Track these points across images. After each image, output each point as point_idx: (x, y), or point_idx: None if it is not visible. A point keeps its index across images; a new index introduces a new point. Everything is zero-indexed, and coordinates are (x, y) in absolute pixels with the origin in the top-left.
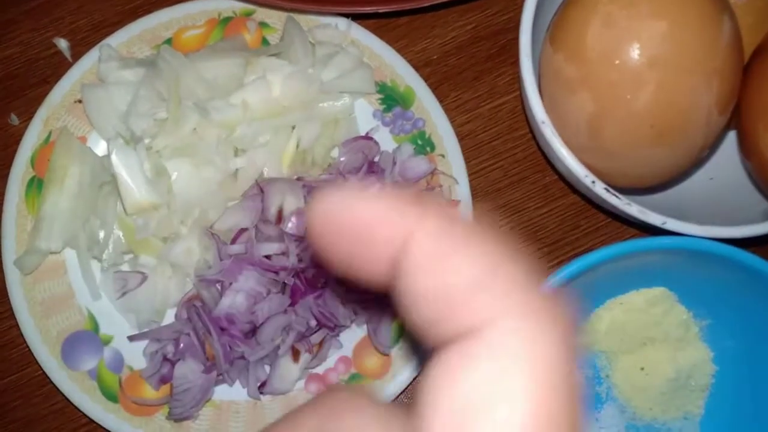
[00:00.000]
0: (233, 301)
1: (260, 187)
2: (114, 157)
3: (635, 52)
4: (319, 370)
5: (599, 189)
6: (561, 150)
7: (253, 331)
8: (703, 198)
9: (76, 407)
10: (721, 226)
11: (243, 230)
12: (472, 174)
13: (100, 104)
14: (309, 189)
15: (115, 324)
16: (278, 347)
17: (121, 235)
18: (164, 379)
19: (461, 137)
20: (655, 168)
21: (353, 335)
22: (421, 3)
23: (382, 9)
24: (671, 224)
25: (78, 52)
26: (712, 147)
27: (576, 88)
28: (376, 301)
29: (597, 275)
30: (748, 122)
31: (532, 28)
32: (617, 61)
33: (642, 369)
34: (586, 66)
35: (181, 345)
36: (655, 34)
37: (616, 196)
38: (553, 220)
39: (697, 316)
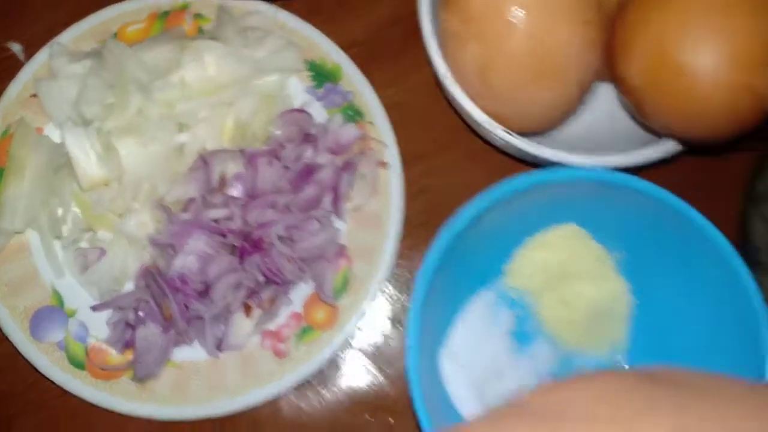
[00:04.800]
0: (184, 263)
1: (204, 159)
2: (67, 138)
3: (507, 4)
4: (272, 326)
5: (499, 132)
6: (462, 99)
7: (206, 291)
8: (591, 136)
9: (47, 379)
10: (604, 155)
11: (191, 200)
12: (403, 141)
13: (53, 96)
14: (249, 157)
15: (79, 298)
16: (230, 304)
17: (78, 213)
18: (127, 344)
19: (390, 108)
20: (541, 108)
21: (302, 292)
22: None
23: None
24: (563, 156)
25: (31, 53)
26: (590, 86)
27: (465, 41)
28: (319, 257)
29: (510, 215)
30: (614, 56)
31: None
32: (496, 14)
33: (565, 303)
34: (472, 21)
35: (141, 311)
36: None
37: (513, 135)
38: (480, 179)
39: (612, 250)
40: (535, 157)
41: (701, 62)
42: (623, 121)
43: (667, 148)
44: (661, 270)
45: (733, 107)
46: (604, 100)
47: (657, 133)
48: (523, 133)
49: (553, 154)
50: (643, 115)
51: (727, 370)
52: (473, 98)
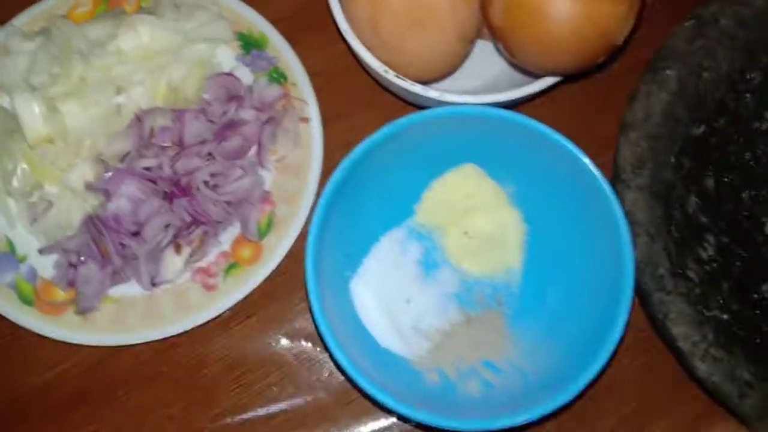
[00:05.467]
0: (118, 205)
1: (138, 117)
2: (15, 101)
3: None
4: (203, 263)
5: (391, 76)
6: (360, 49)
7: (138, 233)
8: (485, 84)
9: (1, 317)
10: (486, 94)
11: (127, 154)
12: (326, 103)
13: (6, 69)
14: (178, 114)
15: (29, 245)
16: (161, 243)
17: (27, 167)
18: (71, 283)
19: (314, 74)
20: (424, 57)
21: (230, 234)
22: None
23: None
24: (447, 96)
25: None
26: (471, 36)
27: None
28: (244, 200)
29: (419, 160)
30: (483, 4)
31: None
32: None
33: (466, 233)
34: None
35: (82, 254)
36: None
37: (402, 79)
38: None
39: (504, 184)
40: (426, 99)
41: (549, 1)
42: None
43: (539, 84)
44: (546, 197)
45: (580, 37)
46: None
47: (530, 73)
48: (421, 82)
49: (439, 95)
50: (511, 54)
51: (599, 274)
52: (369, 49)
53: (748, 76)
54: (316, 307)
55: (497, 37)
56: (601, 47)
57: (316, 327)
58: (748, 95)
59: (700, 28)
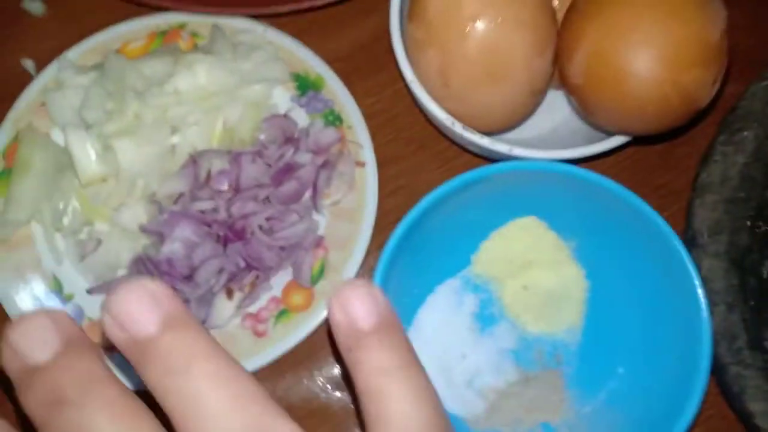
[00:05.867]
0: (172, 248)
1: (193, 159)
2: (69, 138)
3: (460, 12)
4: (253, 309)
5: (458, 128)
6: (427, 100)
7: (191, 276)
8: (546, 134)
9: None
10: (555, 150)
11: (181, 195)
12: (380, 146)
13: (59, 103)
14: (234, 156)
15: (76, 283)
16: (213, 287)
17: (78, 206)
18: None
19: (369, 116)
20: (495, 108)
21: (282, 279)
22: (314, 3)
23: (283, 9)
24: (516, 151)
25: (41, 69)
26: (542, 89)
27: (425, 47)
28: (297, 246)
29: (478, 210)
30: (560, 60)
31: (399, 10)
32: (449, 21)
33: (525, 288)
34: (430, 28)
35: None
36: None
37: (470, 131)
38: (450, 176)
39: (565, 239)
40: (490, 152)
41: (634, 63)
42: (579, 124)
43: (612, 142)
44: (611, 254)
45: (664, 101)
46: (564, 105)
47: (604, 131)
48: (486, 133)
49: (508, 149)
50: (587, 113)
51: (671, 343)
52: (436, 100)
53: None
54: None
55: (573, 94)
56: (685, 112)
57: None
58: None
59: None
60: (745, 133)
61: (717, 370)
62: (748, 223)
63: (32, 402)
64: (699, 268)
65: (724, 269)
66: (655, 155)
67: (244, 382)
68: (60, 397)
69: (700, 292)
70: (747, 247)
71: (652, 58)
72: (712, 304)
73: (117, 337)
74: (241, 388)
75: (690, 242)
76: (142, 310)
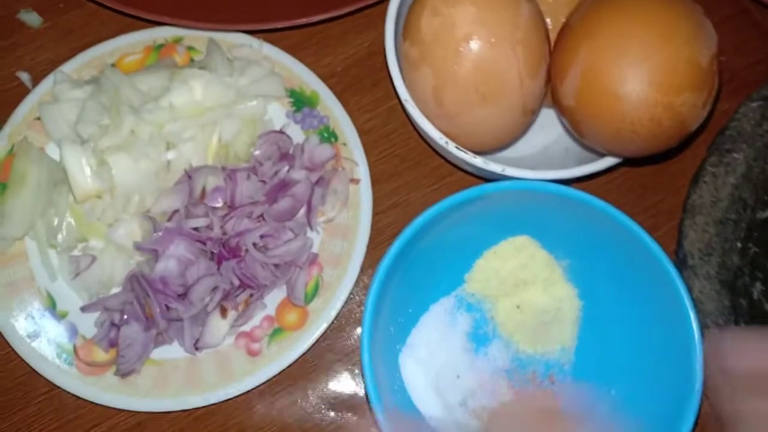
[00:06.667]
0: (166, 266)
1: (188, 175)
2: (63, 153)
3: (454, 33)
4: (246, 328)
5: (451, 147)
6: (421, 119)
7: (185, 294)
8: (538, 152)
9: (38, 374)
10: (547, 170)
11: (175, 211)
12: (375, 162)
13: (54, 117)
14: (229, 173)
15: (70, 300)
16: (207, 306)
17: (72, 222)
18: (112, 343)
19: (364, 133)
20: (488, 127)
21: (276, 297)
22: (310, 20)
23: (279, 25)
24: (509, 171)
25: (37, 82)
26: (534, 109)
27: (419, 66)
28: (292, 263)
29: (472, 229)
30: (553, 81)
31: (394, 29)
32: (443, 41)
33: (518, 307)
34: (424, 47)
35: (125, 313)
36: (467, 18)
37: (463, 151)
38: (443, 194)
39: (558, 258)
40: (483, 171)
41: (625, 85)
42: (571, 143)
43: (603, 163)
44: (603, 274)
45: (656, 123)
46: (557, 123)
47: (596, 151)
48: (478, 152)
49: (501, 169)
50: (579, 134)
51: (663, 364)
52: (430, 118)
53: None
54: (370, 386)
55: (565, 114)
56: (676, 134)
57: (369, 405)
58: None
59: (767, 110)
60: (735, 155)
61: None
62: (739, 244)
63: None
64: (690, 289)
65: (716, 291)
66: (646, 175)
67: None
68: None
69: (691, 314)
70: (738, 269)
71: (644, 81)
72: (703, 326)
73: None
74: None
75: (681, 263)
76: None
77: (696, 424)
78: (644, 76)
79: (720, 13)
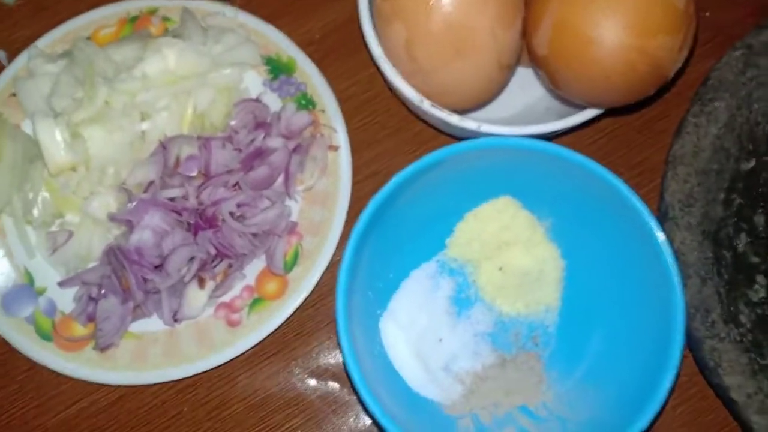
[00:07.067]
0: (141, 237)
1: (163, 145)
2: (36, 126)
3: None
4: (226, 298)
5: (426, 105)
6: (394, 76)
7: (162, 266)
8: (519, 113)
9: (18, 352)
10: (525, 125)
11: (151, 183)
12: (355, 130)
13: (29, 92)
14: (204, 141)
15: (48, 277)
16: (184, 277)
17: (47, 196)
18: (90, 317)
19: (344, 100)
20: (463, 84)
21: (255, 267)
22: None
23: None
24: (485, 127)
25: (13, 59)
26: (510, 63)
27: (392, 21)
28: (270, 232)
29: (452, 192)
30: (527, 32)
31: None
32: None
33: (500, 270)
34: (396, 1)
35: (103, 286)
36: None
37: (438, 108)
38: None
39: (541, 218)
40: (461, 130)
41: (598, 30)
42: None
43: (582, 116)
44: (587, 232)
45: (630, 68)
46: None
47: (574, 105)
48: (456, 111)
49: (476, 126)
50: (555, 85)
51: (646, 319)
52: (404, 76)
53: None
54: (346, 350)
55: (540, 66)
56: (652, 81)
57: (346, 370)
58: None
59: (750, 58)
60: (717, 104)
61: (693, 344)
62: (722, 195)
63: None
64: (672, 241)
65: (698, 242)
66: (632, 132)
67: None
68: None
69: (672, 266)
70: (721, 220)
71: (617, 25)
72: (685, 277)
73: None
74: None
75: (663, 215)
76: None
77: (684, 381)
78: (617, 20)
79: None
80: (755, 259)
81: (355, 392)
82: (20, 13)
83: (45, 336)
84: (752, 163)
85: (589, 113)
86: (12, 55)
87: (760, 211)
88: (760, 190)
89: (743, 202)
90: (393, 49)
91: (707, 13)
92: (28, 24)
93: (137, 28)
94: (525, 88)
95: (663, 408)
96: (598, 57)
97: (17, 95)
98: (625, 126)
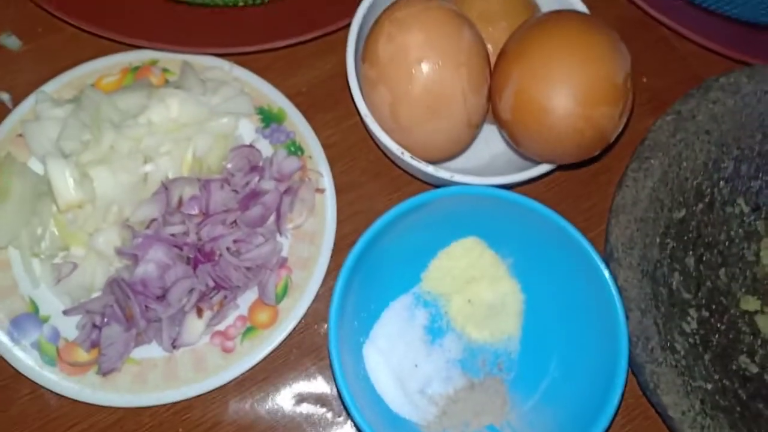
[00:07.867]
0: (146, 269)
1: (165, 186)
2: (48, 166)
3: (407, 56)
4: (221, 327)
5: (406, 157)
6: (379, 132)
7: (163, 296)
8: (484, 164)
9: (21, 376)
10: (490, 176)
11: (153, 220)
12: (338, 173)
13: (36, 134)
14: (204, 183)
15: (52, 305)
16: (185, 306)
17: (55, 231)
18: (94, 343)
19: (328, 147)
20: (438, 140)
21: (248, 298)
22: (276, 44)
23: (248, 49)
24: (457, 177)
25: (17, 102)
26: (478, 123)
27: (377, 85)
28: (263, 266)
29: (427, 231)
30: (493, 98)
31: (354, 53)
32: (398, 63)
33: (469, 302)
34: (381, 68)
35: (106, 315)
36: (418, 43)
37: (417, 160)
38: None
39: (504, 257)
40: (436, 178)
41: (552, 100)
42: (513, 155)
43: (539, 170)
44: (543, 270)
45: (579, 133)
46: (500, 138)
47: (531, 160)
48: (431, 162)
49: (449, 175)
50: (516, 144)
51: (595, 347)
52: (387, 132)
53: (721, 166)
54: (338, 373)
55: (504, 127)
56: (597, 143)
57: (338, 391)
58: (722, 182)
59: (680, 123)
60: (652, 161)
61: (635, 369)
62: (658, 239)
63: None
64: (616, 278)
65: (638, 279)
66: (581, 183)
67: None
68: None
69: (616, 300)
70: (657, 261)
71: (567, 97)
72: (628, 309)
73: None
74: None
75: (608, 256)
76: None
77: (628, 401)
78: (568, 92)
79: (642, 40)
80: (687, 295)
81: (346, 411)
82: (25, 58)
83: (49, 361)
84: (683, 212)
85: (545, 167)
86: (16, 98)
87: (690, 253)
88: (689, 235)
89: (675, 246)
90: (378, 109)
91: (644, 79)
92: (31, 69)
93: (138, 77)
94: (489, 142)
95: (611, 425)
96: (552, 123)
97: (24, 136)
98: (575, 178)
